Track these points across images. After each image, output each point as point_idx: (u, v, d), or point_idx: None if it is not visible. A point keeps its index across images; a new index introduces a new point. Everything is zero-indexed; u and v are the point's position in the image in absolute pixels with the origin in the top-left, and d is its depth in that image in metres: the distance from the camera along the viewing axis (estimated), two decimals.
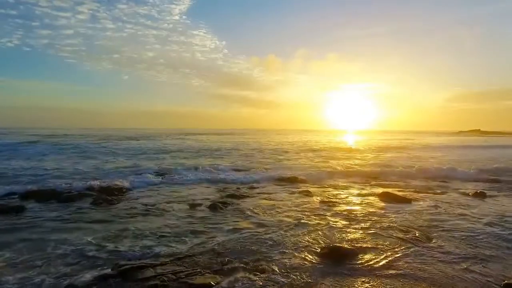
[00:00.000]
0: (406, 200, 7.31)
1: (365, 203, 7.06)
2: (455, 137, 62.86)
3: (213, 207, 6.42)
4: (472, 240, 4.56)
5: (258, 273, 3.46)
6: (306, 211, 6.23)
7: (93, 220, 5.63)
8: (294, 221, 5.53)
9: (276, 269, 3.58)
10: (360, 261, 3.80)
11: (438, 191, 8.59)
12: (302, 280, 3.33)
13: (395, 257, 3.89)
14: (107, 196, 7.21)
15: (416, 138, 52.45)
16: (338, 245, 4.24)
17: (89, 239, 4.58)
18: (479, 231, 4.98)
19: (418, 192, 8.51)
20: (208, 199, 7.41)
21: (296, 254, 4.03)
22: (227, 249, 4.20)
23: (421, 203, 7.10)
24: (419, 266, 3.65)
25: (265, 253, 4.05)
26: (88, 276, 3.39)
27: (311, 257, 3.94)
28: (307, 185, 9.60)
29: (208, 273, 3.46)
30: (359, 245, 4.34)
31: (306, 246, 4.32)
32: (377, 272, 3.51)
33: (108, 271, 3.48)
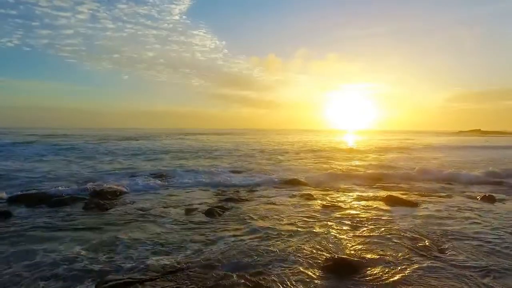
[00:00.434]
0: (412, 204, 7.00)
1: (369, 207, 6.74)
2: (455, 137, 62.56)
3: (210, 212, 6.11)
4: (491, 250, 4.22)
5: None
6: (308, 217, 5.92)
7: (84, 227, 5.31)
8: (296, 228, 5.21)
9: (276, 285, 3.27)
10: (368, 276, 3.48)
11: (444, 194, 8.28)
12: None
13: (407, 271, 3.56)
14: (100, 200, 6.89)
15: (417, 138, 52.16)
16: (343, 256, 3.92)
17: (78, 249, 4.28)
18: (496, 239, 4.64)
19: (423, 195, 8.20)
20: (205, 203, 7.09)
21: (298, 266, 3.71)
22: (223, 261, 3.89)
23: (428, 207, 6.79)
24: (435, 282, 3.32)
25: (264, 266, 3.74)
26: None
27: (314, 270, 3.63)
28: (308, 187, 9.29)
29: None
30: (366, 256, 4.02)
31: (309, 257, 4.00)
32: None
33: None
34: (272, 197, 7.84)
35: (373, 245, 4.41)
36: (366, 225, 5.40)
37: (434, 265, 3.74)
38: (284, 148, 25.59)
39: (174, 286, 3.19)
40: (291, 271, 3.60)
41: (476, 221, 5.69)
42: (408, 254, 4.07)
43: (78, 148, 21.91)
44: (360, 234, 4.88)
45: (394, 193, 8.08)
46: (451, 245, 4.37)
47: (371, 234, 4.89)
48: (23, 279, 3.43)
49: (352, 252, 4.17)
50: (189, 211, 6.29)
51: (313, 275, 3.50)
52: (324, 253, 4.10)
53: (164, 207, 6.67)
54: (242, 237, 4.76)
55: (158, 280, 3.33)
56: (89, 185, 8.20)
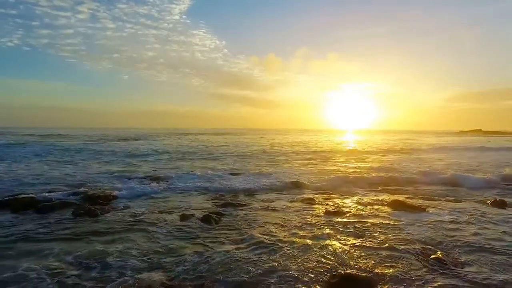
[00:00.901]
0: (420, 209, 6.65)
1: (374, 213, 6.39)
2: (457, 137, 62.12)
3: (207, 219, 5.75)
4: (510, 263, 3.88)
5: None
6: (310, 224, 5.56)
7: (72, 236, 4.97)
8: (297, 238, 4.86)
9: None
10: None
11: (451, 198, 7.93)
12: None
13: None
14: (91, 205, 6.54)
15: (417, 138, 51.80)
16: (350, 272, 3.58)
17: (65, 261, 3.95)
18: None
19: (430, 199, 7.85)
20: (202, 208, 6.75)
21: (300, 284, 3.36)
22: (218, 275, 3.54)
23: (436, 212, 6.44)
24: None
25: (263, 282, 3.39)
26: None
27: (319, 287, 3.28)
28: (310, 191, 8.95)
29: None
30: (374, 270, 3.67)
31: (312, 271, 3.66)
32: None
33: None
34: (272, 201, 7.49)
35: (382, 258, 4.06)
36: (372, 233, 5.05)
37: (451, 282, 3.38)
38: (284, 149, 25.24)
39: None
40: None
41: (489, 228, 5.34)
42: (420, 269, 3.72)
43: (74, 149, 21.55)
44: (367, 245, 4.52)
45: (399, 197, 7.74)
46: (467, 258, 4.02)
47: (379, 244, 4.53)
48: None
49: (360, 265, 3.82)
50: (184, 218, 5.94)
51: None
52: (329, 268, 3.75)
53: (159, 213, 6.32)
54: (239, 249, 4.41)
55: None
56: (80, 189, 7.84)
